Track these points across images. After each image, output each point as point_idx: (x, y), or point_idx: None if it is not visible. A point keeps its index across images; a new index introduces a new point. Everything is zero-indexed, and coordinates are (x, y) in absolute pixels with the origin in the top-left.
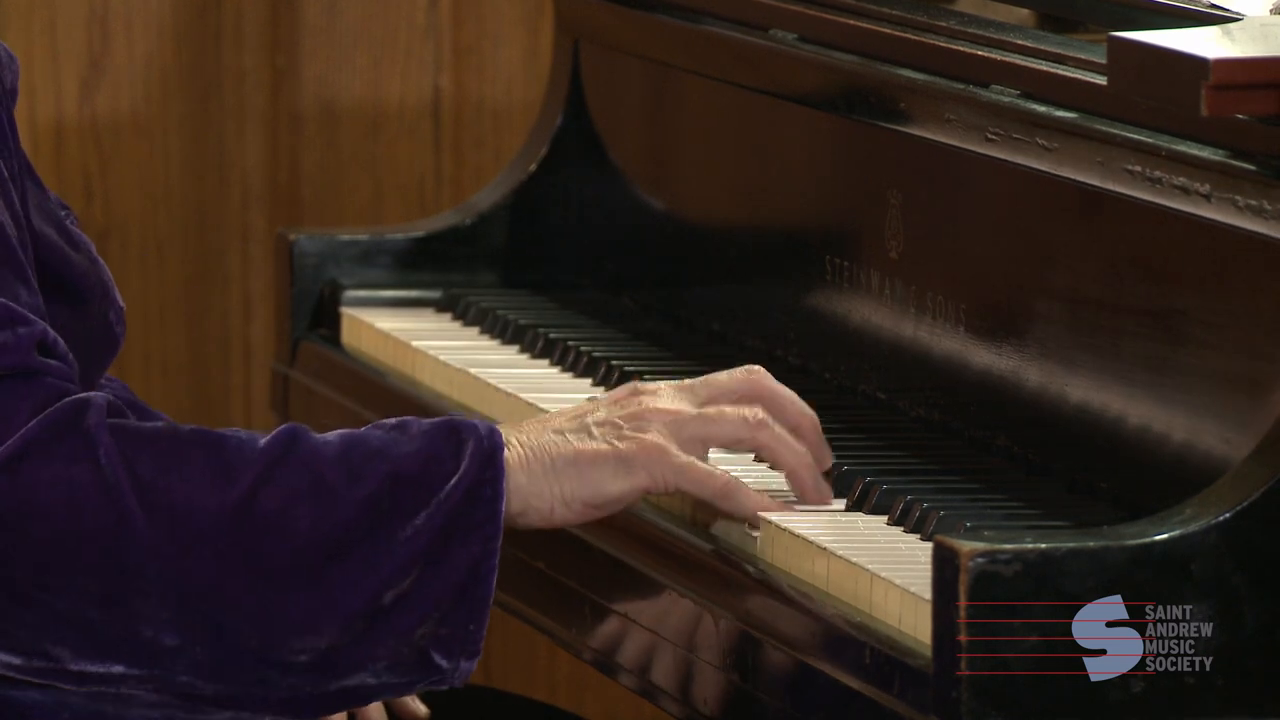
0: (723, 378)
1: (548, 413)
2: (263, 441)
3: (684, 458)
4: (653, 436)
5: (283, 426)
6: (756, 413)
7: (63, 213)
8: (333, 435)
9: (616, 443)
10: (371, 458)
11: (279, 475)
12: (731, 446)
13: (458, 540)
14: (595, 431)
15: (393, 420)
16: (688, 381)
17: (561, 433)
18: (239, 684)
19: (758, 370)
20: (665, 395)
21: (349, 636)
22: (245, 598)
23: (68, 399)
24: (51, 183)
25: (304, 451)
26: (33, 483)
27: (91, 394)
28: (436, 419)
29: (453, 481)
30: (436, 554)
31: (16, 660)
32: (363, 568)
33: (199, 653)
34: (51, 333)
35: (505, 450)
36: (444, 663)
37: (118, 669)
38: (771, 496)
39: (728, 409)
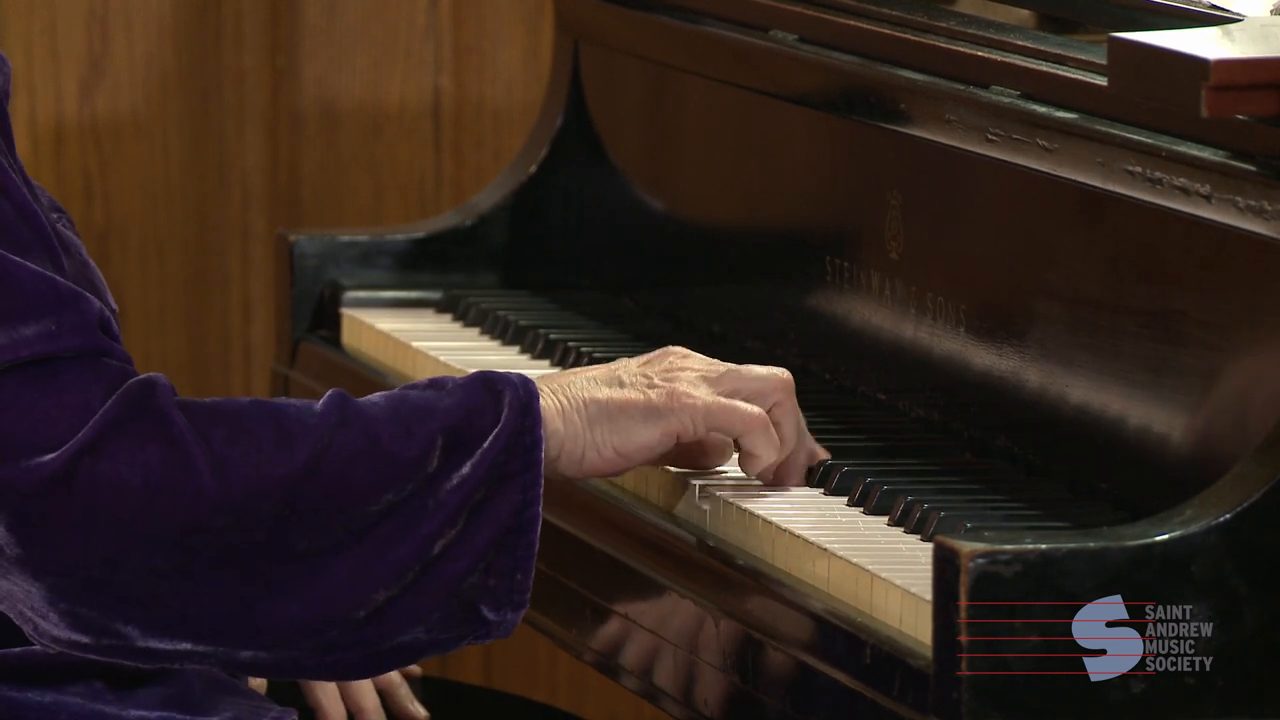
0: (755, 372)
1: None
2: (318, 407)
3: (710, 398)
4: (682, 385)
5: (330, 392)
6: (788, 379)
7: (55, 215)
8: (377, 397)
9: (648, 390)
10: (420, 415)
11: (339, 439)
12: (757, 402)
13: (500, 488)
14: (626, 381)
15: (424, 380)
16: (718, 363)
17: (594, 381)
18: (302, 649)
19: (786, 376)
20: (695, 358)
21: (401, 587)
22: (305, 559)
23: (134, 380)
24: (51, 183)
25: (356, 414)
26: (114, 464)
27: (155, 375)
28: (469, 374)
29: (495, 431)
30: (481, 502)
31: (86, 639)
32: (413, 519)
33: (262, 622)
34: (106, 311)
35: (540, 399)
36: (491, 615)
37: (184, 645)
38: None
39: (757, 367)
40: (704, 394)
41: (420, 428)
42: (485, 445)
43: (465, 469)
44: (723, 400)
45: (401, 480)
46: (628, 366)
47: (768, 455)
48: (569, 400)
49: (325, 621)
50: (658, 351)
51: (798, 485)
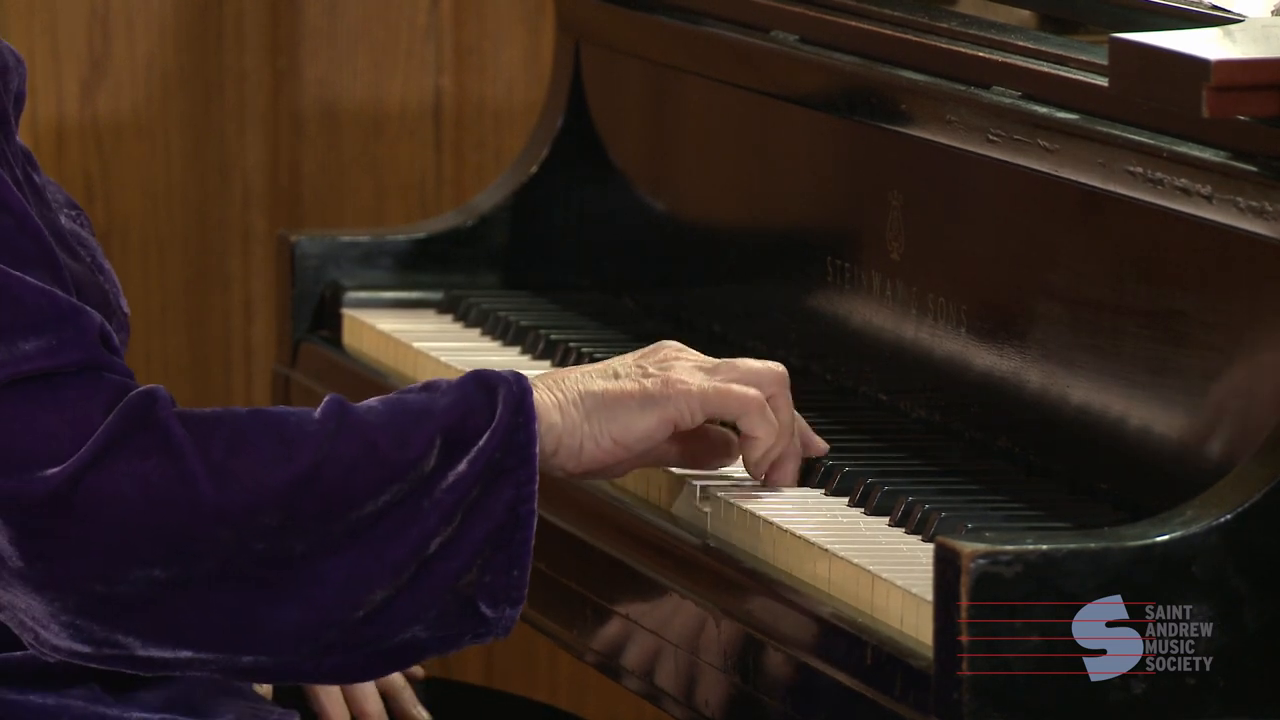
0: (752, 364)
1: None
2: (316, 415)
3: (706, 384)
4: (677, 373)
5: (328, 399)
6: (783, 373)
7: (74, 213)
8: (374, 402)
9: (643, 380)
10: (417, 419)
11: (338, 446)
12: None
13: (494, 484)
14: (621, 373)
15: (418, 384)
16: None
17: (589, 375)
18: (302, 653)
19: (781, 369)
20: (689, 351)
21: (398, 586)
22: (303, 564)
23: (135, 393)
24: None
25: (354, 422)
26: (116, 479)
27: (154, 386)
28: (463, 374)
29: (490, 429)
30: (477, 499)
31: (87, 649)
32: (409, 519)
33: (264, 629)
34: (107, 325)
35: (534, 393)
36: (489, 612)
37: (186, 653)
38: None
39: (753, 360)
40: (700, 380)
41: (417, 432)
42: (481, 443)
43: (461, 466)
44: (719, 384)
45: (400, 484)
46: (623, 360)
47: (767, 435)
48: (564, 394)
49: (324, 623)
50: (652, 346)
51: (790, 486)
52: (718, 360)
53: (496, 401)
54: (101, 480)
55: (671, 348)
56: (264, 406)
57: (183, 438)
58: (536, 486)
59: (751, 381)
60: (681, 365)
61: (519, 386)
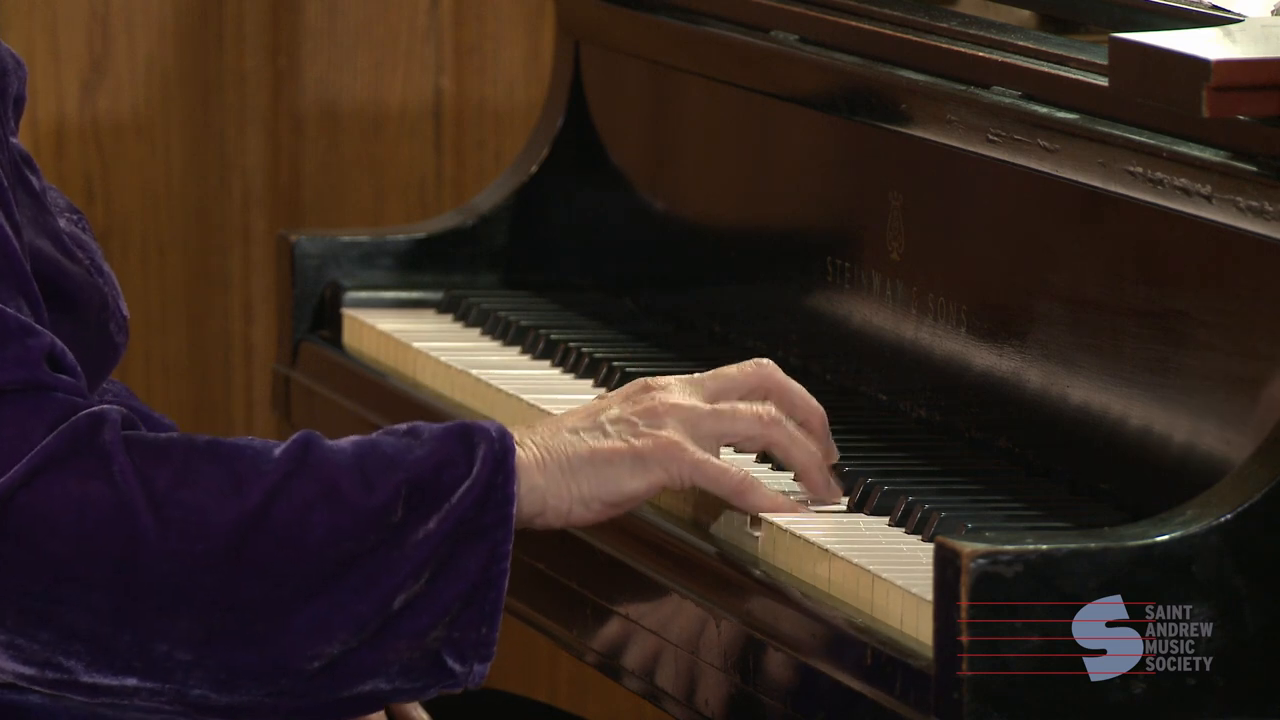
0: (732, 371)
1: (558, 414)
2: (277, 451)
3: (700, 454)
4: (668, 433)
5: (296, 435)
6: (770, 410)
7: (74, 216)
8: (345, 442)
9: (632, 439)
10: (386, 465)
11: (293, 486)
12: (745, 443)
13: (468, 543)
14: (610, 429)
15: (403, 426)
16: (697, 376)
17: (576, 432)
18: (253, 694)
19: (766, 364)
20: (676, 390)
21: (360, 641)
22: (259, 608)
23: (82, 414)
24: (53, 184)
25: (317, 460)
26: (49, 499)
27: (105, 408)
28: (447, 423)
29: (465, 485)
30: (447, 557)
31: (29, 671)
32: (375, 572)
33: (212, 666)
34: (59, 344)
35: (518, 452)
36: (457, 666)
37: (130, 682)
38: (783, 494)
39: (741, 406)
40: (694, 447)
41: (383, 478)
42: (454, 500)
43: (431, 523)
44: (713, 461)
45: (362, 531)
46: (608, 410)
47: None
48: (549, 454)
49: (278, 670)
50: (636, 384)
51: (832, 499)
52: (705, 407)
53: (475, 457)
54: (34, 498)
55: (657, 392)
56: (225, 438)
57: (125, 464)
58: (510, 547)
59: (745, 434)
60: (672, 421)
61: (502, 444)
